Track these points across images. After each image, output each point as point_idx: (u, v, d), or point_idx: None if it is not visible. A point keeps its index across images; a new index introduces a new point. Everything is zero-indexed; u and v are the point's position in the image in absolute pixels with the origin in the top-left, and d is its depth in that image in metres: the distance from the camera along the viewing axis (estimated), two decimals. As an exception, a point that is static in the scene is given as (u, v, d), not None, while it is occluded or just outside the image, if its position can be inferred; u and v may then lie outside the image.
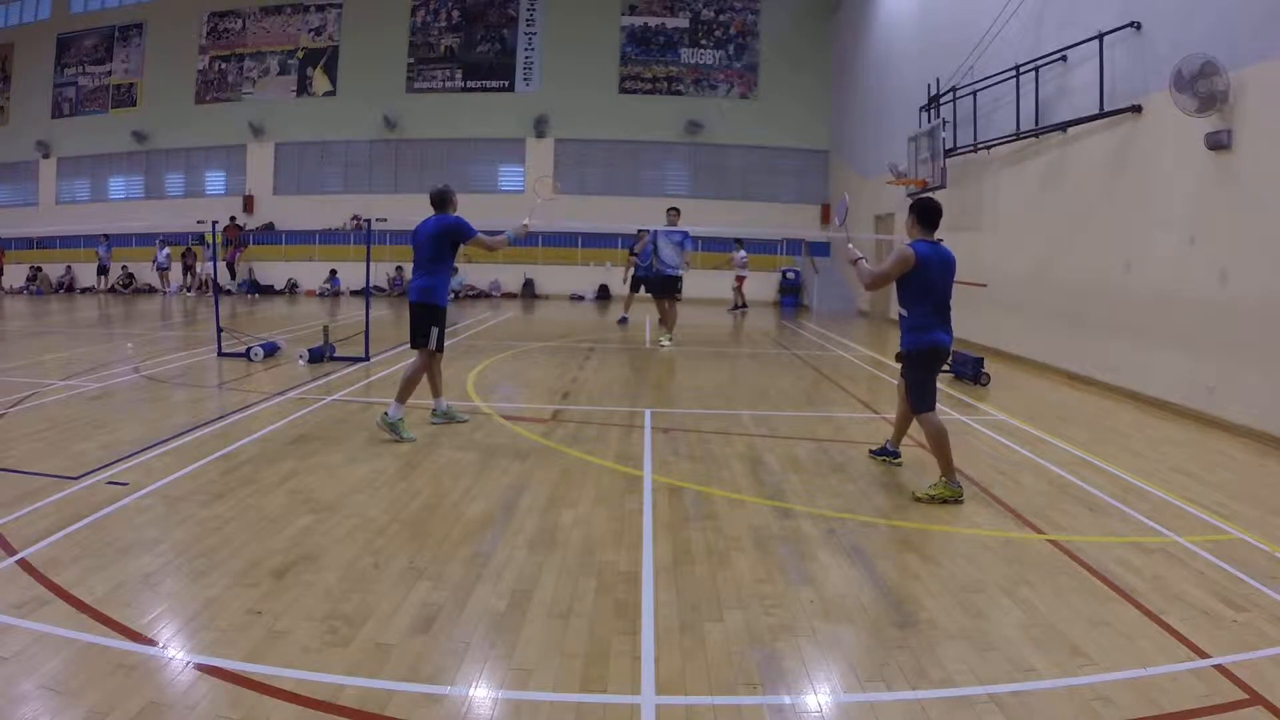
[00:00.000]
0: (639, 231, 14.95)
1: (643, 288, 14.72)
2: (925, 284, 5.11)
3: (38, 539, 3.99)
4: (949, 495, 5.00)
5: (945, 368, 9.94)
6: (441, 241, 6.50)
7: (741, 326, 16.83)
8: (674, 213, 12.48)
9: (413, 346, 6.63)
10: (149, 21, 25.95)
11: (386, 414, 6.26)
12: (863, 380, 10.02)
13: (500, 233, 6.80)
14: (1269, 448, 6.66)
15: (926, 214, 5.25)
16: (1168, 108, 7.79)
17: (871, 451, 6.04)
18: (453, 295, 22.24)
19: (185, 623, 3.22)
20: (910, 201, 5.79)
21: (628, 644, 3.13)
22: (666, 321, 12.51)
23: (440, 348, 6.61)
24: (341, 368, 9.52)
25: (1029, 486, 5.43)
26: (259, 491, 4.89)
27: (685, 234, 12.37)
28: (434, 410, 6.87)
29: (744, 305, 20.36)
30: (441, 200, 6.66)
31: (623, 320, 15.64)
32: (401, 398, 6.34)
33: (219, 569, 3.73)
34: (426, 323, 6.52)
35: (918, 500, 5.03)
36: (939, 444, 5.08)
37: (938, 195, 13.62)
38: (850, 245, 5.93)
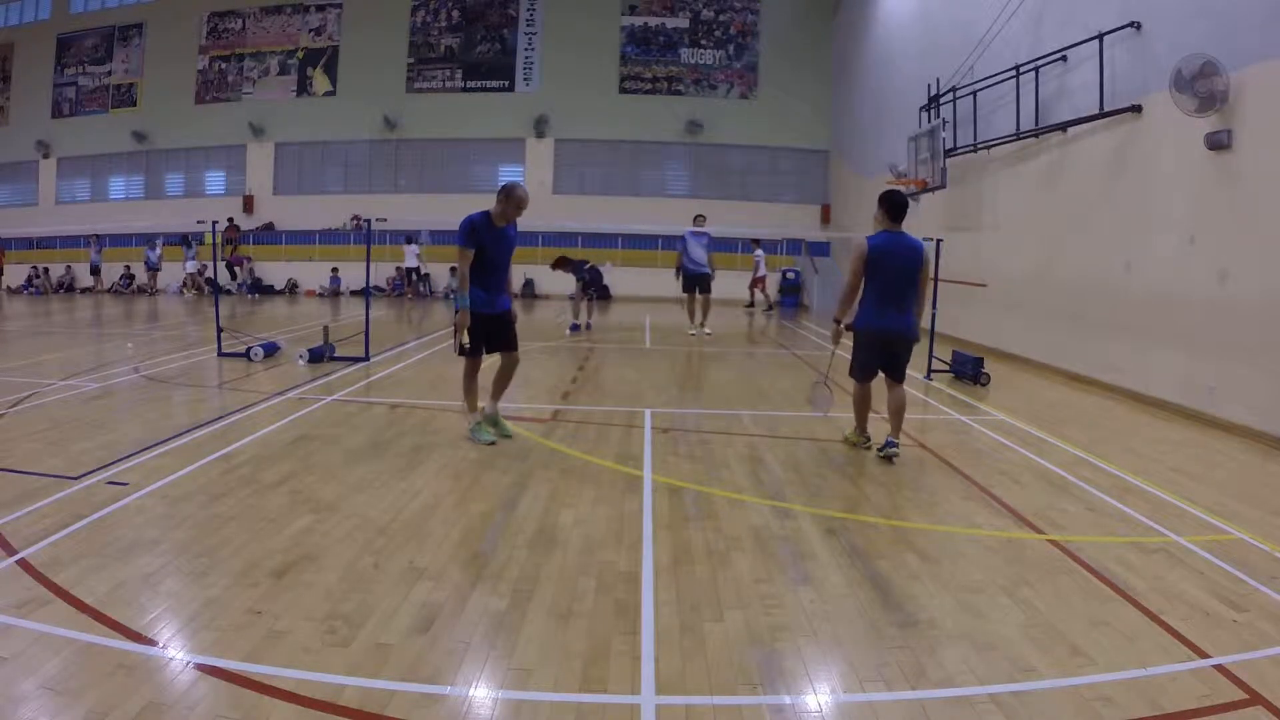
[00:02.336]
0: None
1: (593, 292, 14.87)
2: (874, 271, 5.66)
3: (38, 539, 3.98)
4: (856, 441, 6.20)
5: (945, 366, 9.99)
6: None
7: (752, 326, 16.84)
8: (701, 218, 14.05)
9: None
10: (149, 21, 25.95)
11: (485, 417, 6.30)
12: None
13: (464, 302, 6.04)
14: (1269, 448, 6.66)
15: (894, 208, 5.74)
16: (1168, 108, 7.79)
17: (877, 450, 6.13)
18: (449, 295, 22.34)
19: (185, 623, 3.22)
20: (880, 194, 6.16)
21: (628, 644, 3.13)
22: (704, 312, 14.05)
23: (462, 353, 6.29)
24: (341, 368, 9.52)
25: (1029, 486, 5.43)
26: (259, 491, 4.89)
27: (709, 236, 13.78)
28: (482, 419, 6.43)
29: (752, 304, 20.66)
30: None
31: (574, 327, 14.30)
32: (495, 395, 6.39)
33: (219, 569, 3.73)
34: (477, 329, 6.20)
35: (844, 439, 6.29)
36: (858, 406, 6.17)
37: (938, 195, 13.69)
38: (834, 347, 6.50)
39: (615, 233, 22.30)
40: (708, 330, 13.87)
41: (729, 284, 21.08)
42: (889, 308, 5.71)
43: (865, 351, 5.94)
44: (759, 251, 20.74)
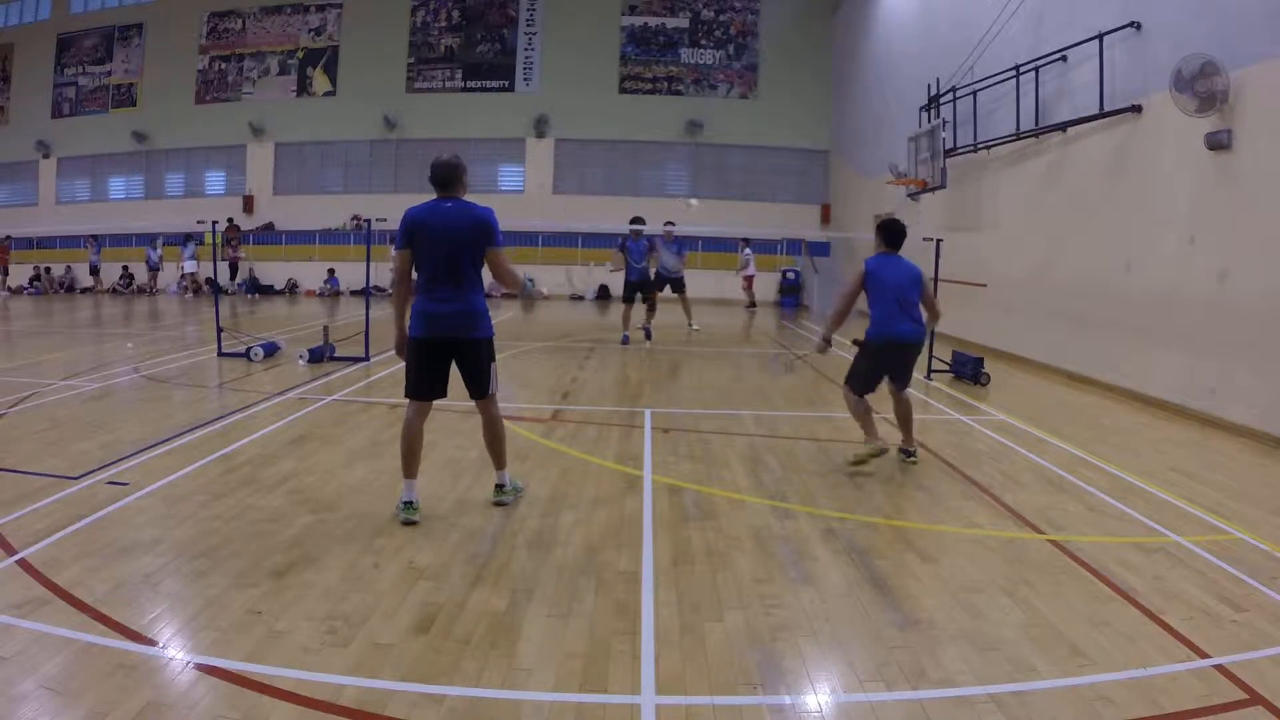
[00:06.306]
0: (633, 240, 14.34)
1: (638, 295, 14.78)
2: (878, 288, 5.76)
3: (38, 539, 3.98)
4: (871, 453, 5.63)
5: (945, 366, 9.99)
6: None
7: (748, 325, 16.85)
8: (670, 224, 14.64)
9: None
10: (149, 21, 25.92)
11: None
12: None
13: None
14: (1269, 448, 6.66)
15: (890, 235, 5.90)
16: (1168, 108, 7.79)
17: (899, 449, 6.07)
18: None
19: (185, 623, 3.22)
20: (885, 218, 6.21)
21: (628, 644, 3.13)
22: (649, 314, 14.48)
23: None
24: (341, 368, 9.52)
25: (1029, 486, 5.43)
26: (259, 491, 4.89)
27: (680, 242, 14.38)
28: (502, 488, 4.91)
29: (753, 304, 20.87)
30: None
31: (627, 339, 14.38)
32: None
33: (219, 569, 3.73)
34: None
35: (850, 464, 5.65)
36: (860, 416, 5.81)
37: (938, 195, 13.69)
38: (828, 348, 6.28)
39: (616, 233, 22.27)
40: (695, 326, 14.70)
41: (721, 284, 21.38)
42: (898, 316, 5.70)
43: (873, 362, 5.82)
44: (747, 251, 20.95)
